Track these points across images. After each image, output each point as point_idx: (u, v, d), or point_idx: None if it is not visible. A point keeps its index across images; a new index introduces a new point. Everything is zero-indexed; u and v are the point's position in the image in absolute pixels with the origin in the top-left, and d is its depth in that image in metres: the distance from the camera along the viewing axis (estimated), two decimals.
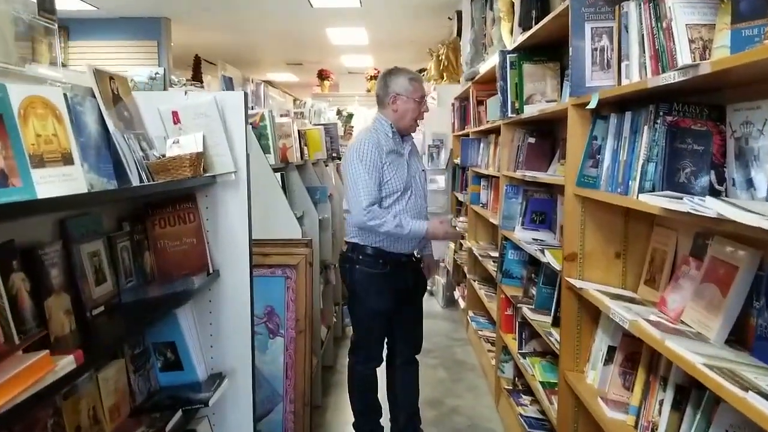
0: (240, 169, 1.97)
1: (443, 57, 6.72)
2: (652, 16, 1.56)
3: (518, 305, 2.80)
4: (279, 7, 6.80)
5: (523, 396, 2.94)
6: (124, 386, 1.66)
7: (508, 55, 2.95)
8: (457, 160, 5.21)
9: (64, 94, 1.34)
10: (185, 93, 1.99)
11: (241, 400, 2.05)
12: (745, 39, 1.22)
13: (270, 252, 2.74)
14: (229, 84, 4.36)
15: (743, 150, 1.41)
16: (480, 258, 4.11)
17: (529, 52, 2.90)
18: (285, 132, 3.57)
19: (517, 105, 2.93)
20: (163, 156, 1.80)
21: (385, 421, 2.90)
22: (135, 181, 1.60)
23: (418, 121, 2.71)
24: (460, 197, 5.26)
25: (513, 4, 3.32)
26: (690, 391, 1.42)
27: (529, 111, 2.76)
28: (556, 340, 2.24)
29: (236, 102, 1.98)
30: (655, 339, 1.42)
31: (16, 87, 1.17)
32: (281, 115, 4.02)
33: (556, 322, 2.32)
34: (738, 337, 1.40)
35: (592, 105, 1.84)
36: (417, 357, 2.89)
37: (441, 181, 5.83)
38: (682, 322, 1.52)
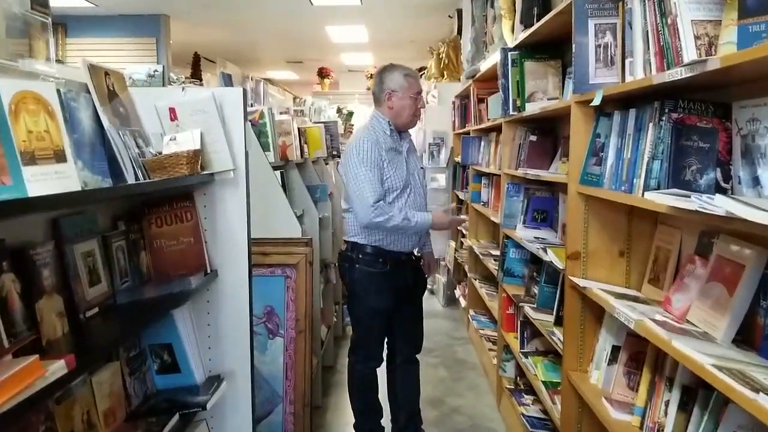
0: (239, 166, 1.94)
1: (444, 55, 6.69)
2: (657, 12, 1.53)
3: (520, 304, 2.78)
4: (279, 4, 6.77)
5: (524, 395, 2.92)
6: (120, 390, 1.63)
7: (509, 53, 2.93)
8: (458, 159, 5.19)
9: (58, 90, 1.31)
10: (183, 89, 1.97)
11: (240, 402, 2.02)
12: (752, 35, 1.19)
13: (269, 251, 2.71)
14: (228, 81, 4.33)
15: (749, 147, 1.39)
16: (481, 256, 4.09)
17: (530, 49, 2.88)
18: (285, 130, 3.54)
19: (518, 103, 2.92)
20: (160, 153, 1.77)
21: (385, 421, 2.88)
22: (130, 179, 1.56)
23: (416, 116, 2.69)
24: (461, 195, 5.25)
25: (514, 2, 3.30)
26: (697, 392, 1.40)
27: (531, 109, 2.74)
28: (559, 339, 2.22)
29: (235, 98, 1.95)
30: (662, 339, 1.39)
31: (6, 82, 1.14)
32: (281, 113, 4.00)
33: (558, 322, 2.30)
34: (745, 337, 1.38)
35: (596, 102, 1.82)
36: (417, 356, 2.87)
37: (442, 179, 5.81)
38: (688, 321, 1.50)
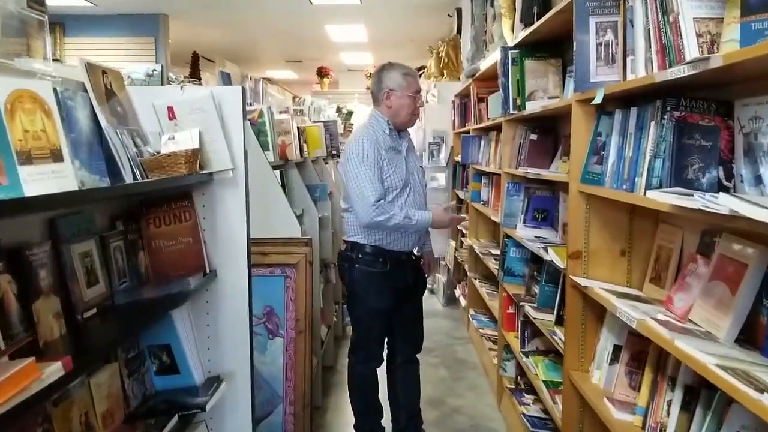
0: (238, 166, 1.93)
1: (443, 54, 6.68)
2: (659, 10, 1.52)
3: (520, 303, 2.77)
4: (278, 4, 6.76)
5: (525, 395, 2.91)
6: (118, 391, 1.62)
7: (509, 51, 2.93)
8: (458, 158, 5.18)
9: (54, 89, 1.30)
10: (181, 88, 1.95)
11: (240, 403, 2.01)
12: (755, 32, 1.18)
13: (269, 251, 2.70)
14: (227, 80, 4.31)
15: (752, 146, 1.38)
16: (481, 256, 4.08)
17: (530, 48, 2.88)
18: (284, 129, 3.53)
19: (518, 101, 2.91)
20: (158, 152, 1.75)
21: (386, 421, 2.87)
22: (128, 179, 1.55)
23: (415, 115, 2.68)
24: (461, 195, 5.24)
25: (514, 1, 3.29)
26: (699, 392, 1.39)
27: (532, 107, 2.73)
28: (560, 339, 2.21)
29: (234, 97, 1.94)
30: (665, 339, 1.38)
31: (2, 80, 1.13)
32: (280, 112, 3.98)
33: (559, 321, 2.29)
34: (748, 337, 1.38)
35: (598, 100, 1.81)
36: (418, 356, 2.86)
37: (442, 178, 5.80)
38: (690, 320, 1.50)
